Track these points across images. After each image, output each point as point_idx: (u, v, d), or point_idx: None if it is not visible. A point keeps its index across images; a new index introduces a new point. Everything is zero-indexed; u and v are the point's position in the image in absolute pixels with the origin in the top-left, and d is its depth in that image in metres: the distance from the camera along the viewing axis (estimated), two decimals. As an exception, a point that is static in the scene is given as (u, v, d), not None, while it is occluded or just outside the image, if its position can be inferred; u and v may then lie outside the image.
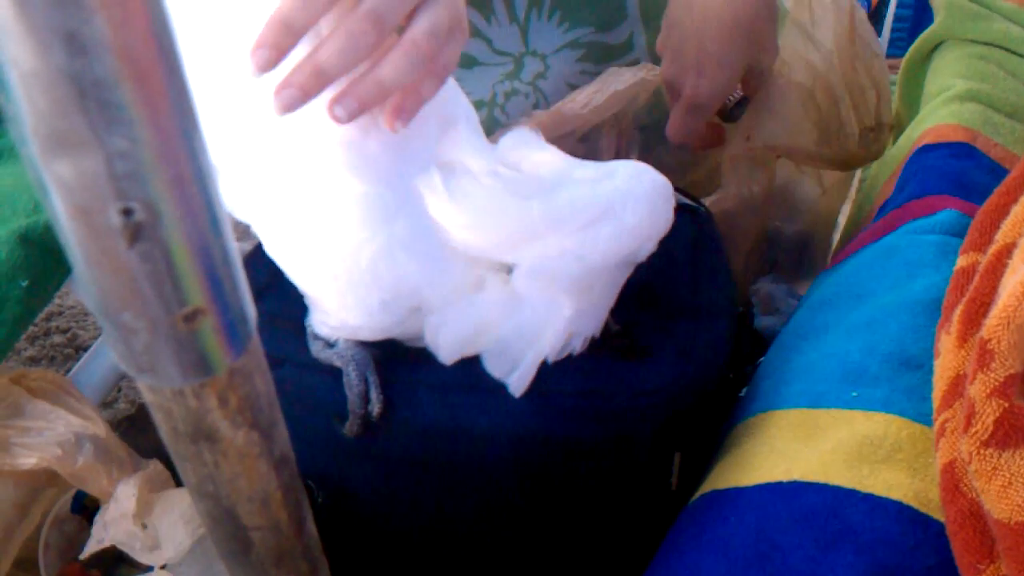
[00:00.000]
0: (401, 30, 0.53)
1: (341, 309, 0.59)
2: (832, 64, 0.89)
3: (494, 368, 0.59)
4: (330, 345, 0.63)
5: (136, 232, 0.24)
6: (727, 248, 0.83)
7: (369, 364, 0.62)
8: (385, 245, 0.56)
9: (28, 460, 0.68)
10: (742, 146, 0.92)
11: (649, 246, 0.58)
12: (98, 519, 0.69)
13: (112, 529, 0.67)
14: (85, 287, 0.27)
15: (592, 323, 0.61)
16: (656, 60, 0.91)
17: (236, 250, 0.29)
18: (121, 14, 0.20)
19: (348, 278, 0.57)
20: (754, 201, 0.94)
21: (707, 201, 0.91)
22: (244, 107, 0.57)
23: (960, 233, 0.60)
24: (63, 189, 0.23)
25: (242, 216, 0.61)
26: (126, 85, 0.22)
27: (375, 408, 0.61)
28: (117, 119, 0.22)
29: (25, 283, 0.69)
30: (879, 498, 0.48)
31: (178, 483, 0.72)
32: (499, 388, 0.59)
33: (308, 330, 0.64)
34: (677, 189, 0.76)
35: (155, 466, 0.71)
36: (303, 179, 0.57)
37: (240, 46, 0.55)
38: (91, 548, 0.68)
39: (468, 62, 1.01)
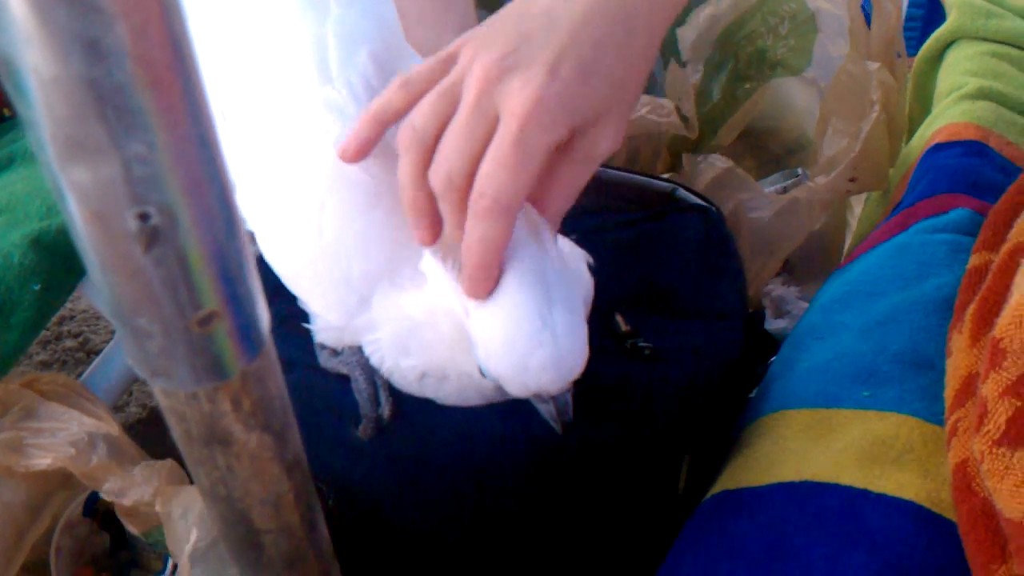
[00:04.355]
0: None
1: (323, 309, 0.58)
2: (886, 77, 0.84)
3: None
4: (336, 353, 0.63)
5: (152, 237, 0.24)
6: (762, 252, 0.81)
7: (376, 368, 0.62)
8: (363, 231, 0.55)
9: (42, 460, 0.68)
10: (842, 187, 0.82)
11: None
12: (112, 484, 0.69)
13: (130, 494, 0.67)
14: (100, 291, 0.27)
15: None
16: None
17: (251, 254, 0.29)
18: (141, 22, 0.20)
19: (327, 267, 0.55)
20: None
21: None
22: (237, 106, 0.57)
23: (972, 232, 0.60)
24: (80, 194, 0.23)
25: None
26: (144, 91, 0.22)
27: (386, 411, 0.61)
28: (135, 125, 0.22)
29: (38, 287, 0.69)
30: (892, 498, 0.48)
31: (192, 482, 0.72)
32: None
33: (314, 339, 0.64)
34: (687, 189, 0.76)
35: (172, 464, 0.71)
36: (291, 164, 0.56)
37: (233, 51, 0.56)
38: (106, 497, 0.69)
39: None
